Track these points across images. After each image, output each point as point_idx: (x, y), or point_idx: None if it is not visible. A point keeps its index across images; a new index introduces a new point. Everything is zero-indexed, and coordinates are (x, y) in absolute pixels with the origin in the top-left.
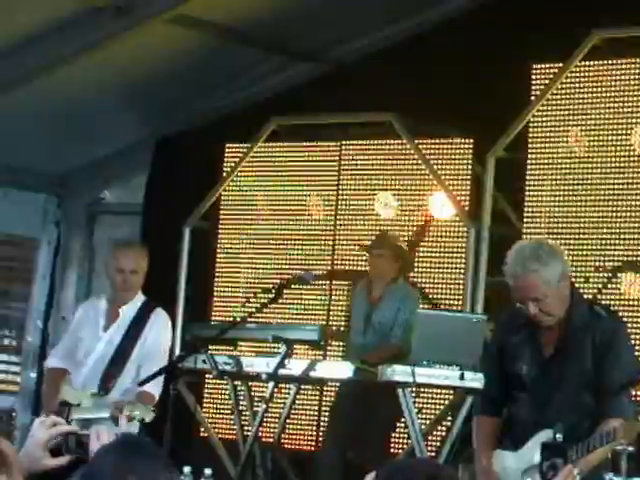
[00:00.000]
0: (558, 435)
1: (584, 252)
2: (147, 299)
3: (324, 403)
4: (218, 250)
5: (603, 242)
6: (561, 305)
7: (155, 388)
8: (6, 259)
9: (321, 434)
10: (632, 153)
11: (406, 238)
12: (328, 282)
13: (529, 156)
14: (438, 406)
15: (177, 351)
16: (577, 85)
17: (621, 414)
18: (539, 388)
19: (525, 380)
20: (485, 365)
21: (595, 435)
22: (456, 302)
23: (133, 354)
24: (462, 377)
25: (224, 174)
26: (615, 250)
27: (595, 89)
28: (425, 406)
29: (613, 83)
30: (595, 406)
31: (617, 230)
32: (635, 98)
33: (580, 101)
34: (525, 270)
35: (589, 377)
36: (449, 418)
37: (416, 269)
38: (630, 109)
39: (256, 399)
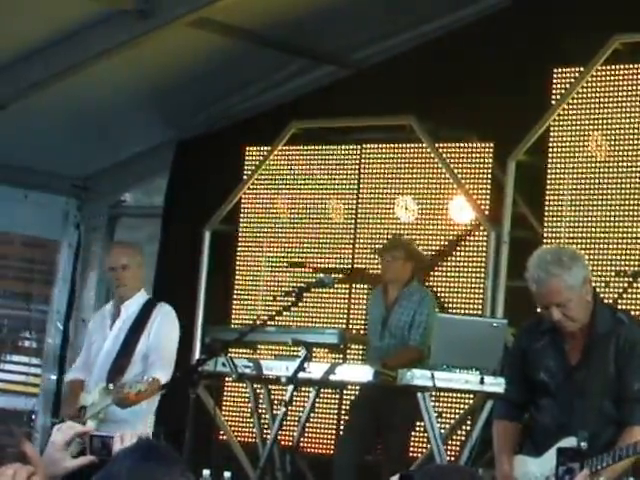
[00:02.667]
0: (583, 443)
1: (605, 256)
2: (150, 297)
3: (344, 407)
4: (238, 253)
5: (624, 246)
6: (584, 310)
7: (162, 372)
8: (27, 261)
9: (340, 437)
10: None
11: (429, 249)
12: (348, 285)
13: (550, 160)
14: (458, 410)
15: (196, 354)
16: (598, 89)
17: None
18: (563, 395)
19: (549, 387)
20: (507, 369)
21: (622, 446)
22: (476, 306)
23: (138, 347)
24: (482, 381)
25: (244, 177)
26: (636, 254)
27: (616, 93)
28: (445, 410)
29: (634, 87)
30: (618, 413)
31: (638, 234)
32: None
33: (601, 105)
34: (548, 275)
35: (612, 384)
36: (468, 422)
37: (436, 273)
38: None
39: (275, 402)
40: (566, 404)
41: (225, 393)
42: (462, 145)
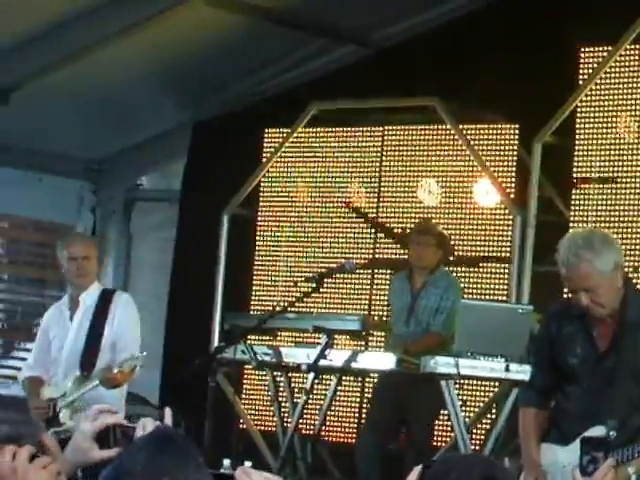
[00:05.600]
0: (612, 432)
1: (633, 240)
2: (105, 288)
3: (366, 395)
4: (257, 238)
5: None
6: (614, 296)
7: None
8: (41, 246)
9: (362, 426)
10: None
11: (453, 234)
12: (370, 271)
13: (576, 141)
14: (482, 398)
15: (215, 342)
16: (626, 69)
17: None
18: (591, 382)
19: (577, 373)
20: (533, 355)
21: None
22: (501, 292)
23: (105, 335)
24: (507, 369)
25: (263, 160)
26: None
27: None
28: (469, 398)
29: None
30: None
31: None
32: None
33: (629, 85)
34: (578, 260)
35: None
36: (493, 411)
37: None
38: None
39: (296, 390)
40: (594, 392)
41: (245, 381)
42: (487, 126)
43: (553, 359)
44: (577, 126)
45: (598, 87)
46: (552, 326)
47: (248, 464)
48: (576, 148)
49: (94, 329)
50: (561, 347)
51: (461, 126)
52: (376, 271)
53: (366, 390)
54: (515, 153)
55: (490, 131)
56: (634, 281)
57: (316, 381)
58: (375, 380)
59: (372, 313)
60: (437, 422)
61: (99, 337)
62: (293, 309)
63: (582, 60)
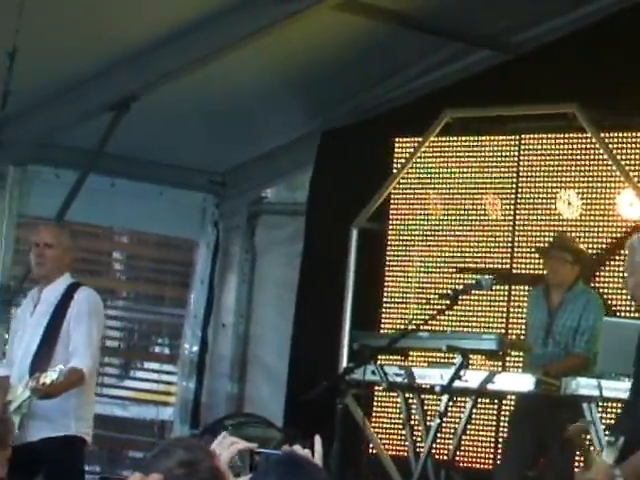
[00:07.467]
0: None
1: None
2: (75, 281)
3: (502, 418)
4: (388, 252)
5: None
6: None
7: (82, 361)
8: (161, 262)
9: (499, 451)
10: None
11: (595, 248)
12: (507, 287)
13: None
14: None
15: (344, 362)
16: None
17: None
18: None
19: None
20: (635, 380)
21: None
22: None
23: (60, 335)
24: None
25: (394, 170)
26: None
27: None
28: (613, 422)
29: None
30: None
31: None
32: None
33: None
34: None
35: None
36: None
37: (603, 274)
38: None
39: (429, 413)
40: None
41: (375, 403)
42: (630, 134)
43: None
44: None
45: None
46: None
47: None
48: None
49: (50, 329)
50: None
51: (603, 134)
52: (513, 287)
53: (503, 413)
54: None
55: (634, 139)
56: None
57: (450, 403)
58: (512, 403)
59: (509, 332)
60: None
61: (55, 338)
62: (426, 328)
63: None
